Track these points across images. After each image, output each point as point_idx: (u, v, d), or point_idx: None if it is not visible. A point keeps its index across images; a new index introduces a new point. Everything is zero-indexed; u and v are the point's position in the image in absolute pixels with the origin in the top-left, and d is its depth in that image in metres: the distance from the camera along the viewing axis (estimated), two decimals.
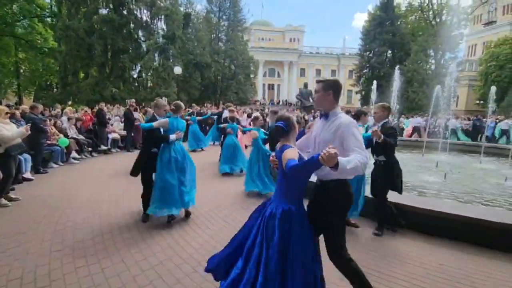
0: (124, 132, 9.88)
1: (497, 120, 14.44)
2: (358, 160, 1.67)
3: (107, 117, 10.29)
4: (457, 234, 3.40)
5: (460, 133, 14.91)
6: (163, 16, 20.92)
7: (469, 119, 16.34)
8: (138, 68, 21.68)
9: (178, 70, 18.25)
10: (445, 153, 9.32)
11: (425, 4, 29.66)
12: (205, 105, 19.76)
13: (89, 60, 19.09)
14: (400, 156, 9.51)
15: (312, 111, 18.33)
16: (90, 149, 8.65)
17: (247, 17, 30.48)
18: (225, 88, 28.13)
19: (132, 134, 9.87)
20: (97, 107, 10.04)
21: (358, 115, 4.07)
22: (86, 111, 10.16)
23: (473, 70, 34.48)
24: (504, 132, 13.46)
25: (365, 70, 31.45)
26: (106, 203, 4.46)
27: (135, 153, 5.57)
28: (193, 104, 14.48)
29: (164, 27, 21.69)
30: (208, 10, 28.57)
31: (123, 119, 10.26)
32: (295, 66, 44.94)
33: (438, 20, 28.59)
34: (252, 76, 30.87)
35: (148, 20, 21.00)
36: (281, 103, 39.29)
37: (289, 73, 44.92)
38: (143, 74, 21.68)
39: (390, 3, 29.54)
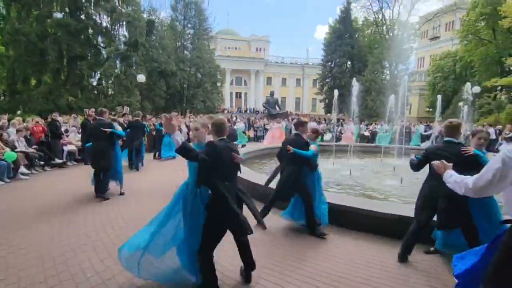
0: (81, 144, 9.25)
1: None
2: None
3: (63, 128, 9.60)
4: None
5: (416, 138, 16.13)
6: (124, 23, 20.19)
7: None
8: (98, 75, 20.59)
9: (141, 78, 17.65)
10: (401, 158, 10.04)
11: (379, 19, 32.09)
12: (172, 113, 19.25)
13: (41, 66, 17.71)
14: (360, 161, 10.10)
15: (278, 118, 18.73)
16: (42, 163, 7.97)
17: (213, 26, 30.53)
18: (192, 96, 27.72)
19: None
20: (50, 117, 9.32)
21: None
22: (38, 122, 9.36)
23: (422, 80, 37.82)
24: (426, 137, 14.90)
25: (328, 80, 33.00)
26: (56, 223, 4.11)
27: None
28: (166, 114, 14.10)
29: (126, 33, 20.93)
30: (172, 18, 28.14)
31: (80, 130, 9.63)
32: (262, 75, 45.76)
33: (390, 34, 31.04)
34: (219, 84, 30.80)
35: (109, 26, 20.12)
36: (248, 111, 39.61)
37: (256, 81, 45.58)
38: (103, 82, 20.60)
39: (348, 17, 31.52)
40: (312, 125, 5.04)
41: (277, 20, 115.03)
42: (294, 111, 40.34)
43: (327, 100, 32.46)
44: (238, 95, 46.21)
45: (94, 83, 21.03)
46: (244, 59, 43.85)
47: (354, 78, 15.02)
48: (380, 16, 31.80)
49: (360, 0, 32.10)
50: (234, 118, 21.76)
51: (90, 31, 19.21)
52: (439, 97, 14.34)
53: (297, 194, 3.93)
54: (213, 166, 2.38)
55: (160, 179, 7.11)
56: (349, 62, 32.22)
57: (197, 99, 27.38)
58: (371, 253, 3.41)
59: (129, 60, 20.50)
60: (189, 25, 28.50)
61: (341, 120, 22.81)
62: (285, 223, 4.26)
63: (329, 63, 32.71)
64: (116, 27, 20.59)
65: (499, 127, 14.63)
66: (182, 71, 26.50)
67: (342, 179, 7.24)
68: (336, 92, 12.28)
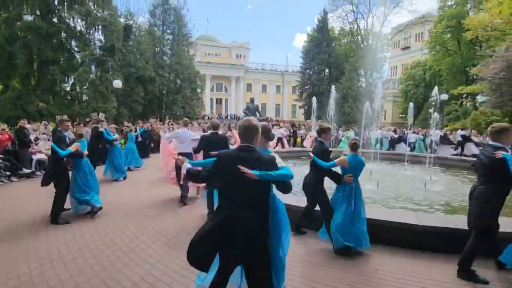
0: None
1: (417, 132, 16.67)
2: None
3: (33, 136, 9.10)
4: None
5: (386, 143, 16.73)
6: (100, 27, 19.63)
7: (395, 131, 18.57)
8: (72, 80, 19.78)
9: (118, 83, 17.14)
10: (377, 162, 10.39)
11: (354, 30, 33.43)
12: (149, 120, 18.82)
13: (9, 70, 16.77)
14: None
15: None
16: (8, 173, 7.49)
17: (193, 32, 30.35)
18: (171, 102, 27.28)
19: None
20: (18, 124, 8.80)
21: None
22: (3, 129, 8.81)
23: (395, 88, 39.61)
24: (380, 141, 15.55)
25: (307, 86, 33.74)
26: (24, 237, 3.86)
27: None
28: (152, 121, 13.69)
29: (102, 38, 20.34)
30: (151, 23, 27.70)
31: (51, 138, 9.17)
32: (242, 81, 45.98)
33: (365, 43, 32.39)
34: (199, 90, 30.55)
35: (83, 30, 19.49)
36: (229, 117, 39.55)
37: (236, 88, 45.72)
38: (77, 87, 19.81)
39: (325, 26, 32.56)
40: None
41: (257, 28, 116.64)
42: (275, 117, 40.75)
43: (306, 107, 33.12)
44: (219, 101, 46.08)
45: (68, 89, 20.18)
46: (225, 66, 43.93)
47: (333, 86, 15.46)
48: (355, 26, 33.18)
49: (336, 11, 33.40)
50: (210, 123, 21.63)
51: (63, 35, 18.49)
52: (411, 104, 15.07)
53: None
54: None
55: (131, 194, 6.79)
56: (327, 70, 33.17)
57: (177, 105, 26.97)
58: (418, 270, 3.16)
59: (105, 65, 19.90)
60: (168, 31, 28.17)
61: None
62: (312, 242, 3.88)
63: (308, 71, 33.50)
64: (91, 31, 19.97)
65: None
66: (161, 77, 26.06)
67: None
68: (314, 99, 12.56)
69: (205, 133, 4.93)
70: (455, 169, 10.02)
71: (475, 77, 20.98)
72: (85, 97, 20.30)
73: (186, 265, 2.01)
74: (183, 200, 5.48)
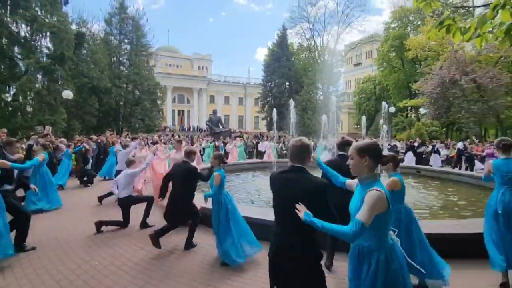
0: None
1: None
2: None
3: None
4: None
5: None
6: (48, 33, 18.28)
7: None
8: (13, 90, 17.98)
9: (68, 94, 15.91)
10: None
11: (312, 45, 35.44)
12: (105, 133, 17.73)
13: None
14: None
15: (221, 137, 18.76)
16: None
17: (153, 43, 29.55)
18: (129, 114, 26.05)
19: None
20: None
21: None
22: None
23: (350, 101, 42.46)
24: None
25: (269, 99, 34.66)
26: None
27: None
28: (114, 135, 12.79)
29: (50, 45, 18.92)
30: (107, 32, 26.45)
31: None
32: (204, 93, 45.70)
33: (322, 59, 34.45)
34: (159, 102, 29.65)
35: (28, 36, 17.98)
36: (191, 129, 38.85)
37: (199, 99, 45.26)
38: (20, 98, 18.01)
39: (285, 41, 34.05)
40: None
41: (219, 40, 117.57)
42: (238, 129, 40.97)
43: (268, 118, 33.89)
44: (181, 113, 45.11)
45: (9, 99, 18.29)
46: (187, 77, 43.36)
47: (291, 100, 16.09)
48: (312, 42, 35.25)
49: (294, 27, 35.19)
50: (176, 137, 21.06)
51: (5, 40, 16.88)
52: (363, 117, 16.29)
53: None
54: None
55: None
56: (287, 83, 34.49)
57: (135, 117, 25.81)
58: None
59: (53, 75, 18.45)
60: (125, 40, 27.11)
61: (282, 137, 23.94)
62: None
63: (269, 84, 34.51)
64: (38, 38, 18.52)
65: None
66: (118, 87, 24.83)
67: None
68: (274, 111, 12.93)
69: (178, 162, 4.48)
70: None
71: (416, 91, 23.35)
72: (29, 109, 18.54)
73: None
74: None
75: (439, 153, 14.04)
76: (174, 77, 41.71)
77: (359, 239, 1.63)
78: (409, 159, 14.17)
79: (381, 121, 15.48)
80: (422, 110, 27.71)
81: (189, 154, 4.28)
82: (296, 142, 1.92)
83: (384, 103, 15.09)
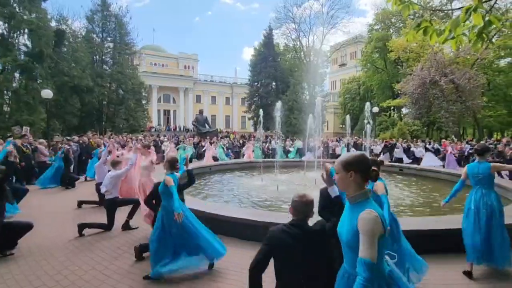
0: None
1: (354, 141, 18.33)
2: None
3: None
4: None
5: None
6: (26, 30, 17.61)
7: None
8: None
9: (47, 93, 15.28)
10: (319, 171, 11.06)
11: (298, 46, 35.74)
12: (87, 133, 17.23)
13: None
14: (287, 176, 10.77)
15: (208, 137, 18.63)
16: None
17: (137, 41, 28.97)
18: (113, 114, 25.46)
19: None
20: None
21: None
22: None
23: (335, 101, 43.13)
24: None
25: (255, 98, 34.71)
26: None
27: None
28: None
29: (28, 43, 18.22)
30: (88, 30, 25.72)
31: None
32: (191, 92, 45.20)
33: (308, 59, 34.81)
34: (144, 101, 29.12)
35: (5, 33, 17.25)
36: (177, 129, 38.37)
37: (185, 99, 44.71)
38: None
39: (271, 42, 34.19)
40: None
41: (205, 40, 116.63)
42: (225, 129, 40.80)
43: (255, 118, 33.93)
44: (167, 112, 44.41)
45: None
46: (172, 77, 42.72)
47: (279, 101, 16.18)
48: (298, 43, 35.54)
49: (280, 27, 35.38)
50: (162, 137, 20.74)
51: None
52: (347, 117, 16.56)
53: None
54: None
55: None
56: (273, 83, 34.66)
57: (119, 117, 25.24)
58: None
59: (32, 73, 17.80)
60: (108, 38, 26.47)
61: (269, 137, 24.05)
62: None
63: (256, 83, 34.57)
64: (15, 35, 17.81)
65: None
66: (101, 87, 24.22)
67: (271, 194, 7.56)
68: (261, 111, 12.96)
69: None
70: (385, 173, 11.23)
71: (399, 92, 23.99)
72: (6, 108, 17.78)
73: None
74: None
75: (434, 152, 14.31)
76: (159, 76, 41.02)
77: (349, 266, 1.50)
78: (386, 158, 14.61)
79: (365, 121, 15.80)
80: (404, 110, 28.52)
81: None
82: (302, 197, 1.92)
83: (367, 103, 15.41)
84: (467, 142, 16.00)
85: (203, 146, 15.86)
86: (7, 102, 17.83)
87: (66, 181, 8.98)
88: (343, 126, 37.44)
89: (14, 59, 16.72)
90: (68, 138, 13.48)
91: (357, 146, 16.75)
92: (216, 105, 48.14)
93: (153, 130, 34.43)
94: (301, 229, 1.85)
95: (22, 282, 3.18)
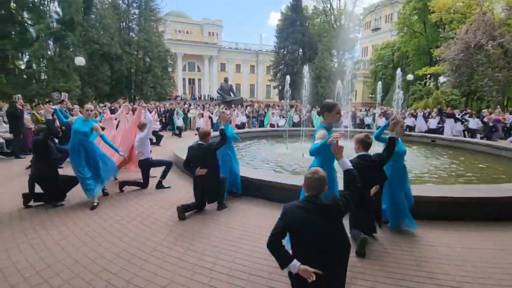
0: (8, 135, 8.16)
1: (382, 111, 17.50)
2: None
3: None
4: None
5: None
6: None
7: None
8: (27, 57, 18.07)
9: (80, 61, 15.88)
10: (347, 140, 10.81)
11: (328, 9, 33.36)
12: (118, 100, 17.90)
13: None
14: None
15: (233, 106, 18.65)
16: None
17: (161, 7, 28.57)
18: (141, 82, 25.99)
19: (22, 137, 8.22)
20: None
21: None
22: None
23: (366, 68, 40.69)
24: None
25: (281, 66, 33.59)
26: None
27: (25, 160, 4.64)
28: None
29: (59, 10, 18.55)
30: None
31: (6, 119, 8.47)
32: (215, 60, 44.65)
33: (338, 24, 32.56)
34: (170, 69, 29.32)
35: (36, 0, 17.61)
36: (202, 98, 38.64)
37: (210, 67, 44.39)
38: (34, 65, 18.14)
39: (299, 5, 32.15)
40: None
41: (230, 4, 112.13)
42: (249, 98, 40.48)
43: (280, 87, 33.15)
44: (192, 81, 44.61)
45: (23, 66, 18.47)
46: (197, 44, 42.18)
47: (305, 66, 15.50)
48: (328, 5, 33.09)
49: None
50: (188, 105, 21.06)
51: (13, 5, 16.65)
52: (379, 84, 15.64)
53: None
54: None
55: None
56: (300, 50, 33.12)
57: (147, 85, 25.76)
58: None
59: (64, 41, 18.33)
60: (134, 4, 26.28)
61: (294, 107, 23.56)
62: None
63: (282, 50, 33.24)
64: (46, 2, 18.14)
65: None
66: (129, 54, 24.57)
67: (297, 161, 7.59)
68: (288, 78, 12.56)
69: (192, 144, 4.33)
70: (417, 144, 10.77)
71: (438, 58, 22.05)
72: (43, 76, 18.73)
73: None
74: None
75: (462, 122, 13.43)
76: (184, 43, 40.66)
77: None
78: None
79: (397, 90, 14.89)
80: (442, 78, 26.38)
81: (204, 135, 4.19)
82: (314, 174, 1.96)
83: (398, 70, 14.34)
84: (510, 113, 14.72)
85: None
86: (44, 69, 18.71)
87: None
88: (373, 96, 35.65)
89: (47, 27, 17.20)
90: (102, 104, 14.13)
91: (386, 116, 15.97)
92: (240, 73, 47.42)
93: (178, 98, 34.97)
94: (314, 204, 1.91)
95: (72, 228, 3.54)
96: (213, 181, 4.11)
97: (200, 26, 46.01)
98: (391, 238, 3.37)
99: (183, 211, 3.93)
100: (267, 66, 43.66)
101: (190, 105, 22.96)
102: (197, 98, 37.76)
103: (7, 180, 5.66)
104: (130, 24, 26.37)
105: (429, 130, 13.82)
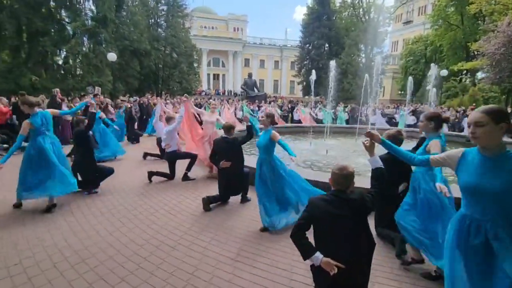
0: None
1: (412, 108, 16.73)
2: None
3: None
4: None
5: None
6: None
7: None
8: (64, 53, 19.21)
9: (112, 56, 16.62)
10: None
11: (356, 2, 32.22)
12: (146, 95, 18.57)
13: None
14: (336, 142, 10.46)
15: (257, 101, 18.68)
16: (5, 146, 7.50)
17: (188, 3, 29.07)
18: (167, 77, 26.74)
19: (60, 128, 8.80)
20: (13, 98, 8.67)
21: None
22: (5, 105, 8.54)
23: (395, 64, 38.97)
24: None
25: (306, 62, 33.00)
26: (27, 205, 3.97)
27: (64, 150, 4.97)
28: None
29: (93, 8, 19.49)
30: None
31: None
32: (240, 56, 44.84)
33: (367, 17, 31.37)
34: (196, 65, 29.87)
35: None
36: (226, 93, 39.06)
37: (234, 63, 44.67)
38: (70, 60, 19.27)
39: None
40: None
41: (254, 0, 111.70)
42: (273, 94, 40.32)
43: (304, 83, 32.66)
44: (216, 76, 45.19)
45: (60, 62, 19.66)
46: (222, 40, 42.56)
47: (332, 61, 15.14)
48: None
49: None
50: (212, 100, 21.38)
51: (52, 3, 17.72)
52: (410, 79, 14.93)
53: None
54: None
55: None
56: (326, 45, 32.30)
57: (173, 80, 26.45)
58: None
59: (97, 37, 19.24)
60: (162, 1, 26.97)
61: (318, 103, 23.16)
62: None
63: (307, 45, 32.61)
64: (82, 1, 19.11)
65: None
66: (157, 50, 25.33)
67: (320, 158, 7.50)
68: (313, 73, 12.33)
69: (217, 137, 4.42)
70: (452, 144, 10.20)
71: (476, 52, 20.63)
72: (79, 71, 19.83)
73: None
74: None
75: None
76: (209, 39, 41.18)
77: (479, 215, 1.60)
78: None
79: (429, 86, 14.15)
80: (480, 74, 24.65)
81: (229, 129, 4.27)
82: (343, 170, 1.91)
83: (432, 65, 13.55)
84: None
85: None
86: (79, 65, 19.80)
87: (132, 136, 10.04)
88: (402, 92, 34.13)
89: (82, 24, 18.16)
90: (132, 99, 14.76)
91: (416, 113, 15.25)
92: (265, 69, 47.28)
93: (203, 93, 35.61)
94: (340, 198, 1.88)
95: (106, 215, 3.77)
96: (237, 174, 4.18)
97: (225, 22, 46.34)
98: None
99: (208, 203, 4.04)
100: (291, 61, 43.13)
101: (214, 100, 23.37)
102: (221, 94, 38.22)
103: None
104: (158, 20, 27.12)
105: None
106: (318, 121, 15.55)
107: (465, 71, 26.09)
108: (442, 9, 26.30)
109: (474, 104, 16.60)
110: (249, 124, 4.16)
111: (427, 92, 19.62)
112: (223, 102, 17.40)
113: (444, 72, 21.06)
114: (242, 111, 15.00)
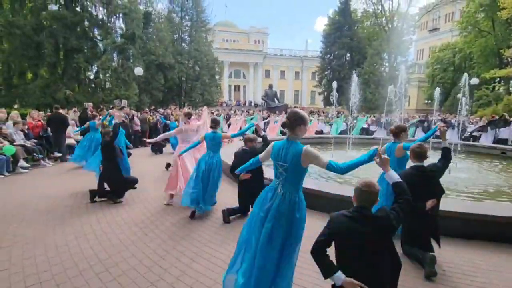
0: (79, 137, 9.24)
1: (442, 118, 15.98)
2: None
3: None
4: None
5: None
6: (121, 14, 19.97)
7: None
8: (95, 68, 20.44)
9: (139, 71, 17.49)
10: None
11: (379, 11, 31.82)
12: (170, 107, 19.22)
13: (38, 60, 17.55)
14: (358, 153, 10.16)
15: (277, 112, 18.70)
16: (41, 156, 7.97)
17: (211, 18, 30.15)
18: (190, 89, 27.60)
19: None
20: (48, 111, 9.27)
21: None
22: (40, 120, 9.06)
23: (421, 72, 37.70)
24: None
25: (327, 72, 32.83)
26: (58, 213, 4.16)
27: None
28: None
29: (123, 26, 20.70)
30: (169, 10, 27.79)
31: (78, 123, 9.63)
32: (260, 67, 45.46)
33: (390, 26, 30.82)
34: (217, 77, 30.62)
35: (105, 18, 19.89)
36: (247, 104, 39.51)
37: (255, 74, 45.32)
38: (101, 75, 20.45)
39: (347, 8, 31.22)
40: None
41: (276, 12, 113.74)
42: (293, 104, 40.25)
43: (325, 93, 32.38)
44: (237, 88, 45.98)
45: (91, 77, 20.89)
46: (243, 52, 43.47)
47: (354, 72, 14.95)
48: (380, 7, 31.56)
49: None
50: (233, 111, 21.72)
51: (86, 23, 18.99)
52: (437, 89, 14.35)
53: None
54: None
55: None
56: (348, 54, 32.04)
57: (196, 92, 27.24)
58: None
59: (126, 53, 20.33)
60: (186, 17, 28.18)
61: (340, 113, 22.78)
62: None
63: (328, 56, 32.51)
64: (113, 19, 20.36)
65: None
66: (180, 64, 26.31)
67: None
68: (334, 84, 12.20)
69: (238, 150, 4.41)
70: (484, 156, 9.60)
71: (509, 59, 19.52)
72: (108, 85, 20.97)
73: None
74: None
75: None
76: (230, 52, 42.20)
77: None
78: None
79: (459, 95, 13.47)
80: None
81: (250, 141, 4.24)
82: (365, 186, 1.84)
83: (465, 74, 12.96)
84: None
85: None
86: (109, 79, 20.96)
87: (155, 148, 10.37)
88: (429, 101, 32.81)
89: (113, 41, 19.30)
90: (157, 111, 15.30)
91: (446, 124, 14.53)
92: (285, 79, 47.50)
93: (224, 105, 36.26)
94: (363, 214, 1.81)
95: (130, 223, 3.86)
96: (257, 186, 4.14)
97: (246, 35, 47.39)
98: (448, 258, 3.03)
99: (228, 215, 4.02)
100: (312, 72, 43.08)
101: (235, 111, 23.70)
102: (242, 104, 38.72)
103: (79, 175, 6.40)
104: (182, 35, 28.28)
105: (498, 141, 12.24)
106: (318, 132, 15.30)
107: (498, 79, 24.73)
108: (471, 15, 25.32)
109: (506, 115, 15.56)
110: (263, 134, 4.15)
111: (456, 101, 18.73)
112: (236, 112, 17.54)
113: (475, 80, 20.05)
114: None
